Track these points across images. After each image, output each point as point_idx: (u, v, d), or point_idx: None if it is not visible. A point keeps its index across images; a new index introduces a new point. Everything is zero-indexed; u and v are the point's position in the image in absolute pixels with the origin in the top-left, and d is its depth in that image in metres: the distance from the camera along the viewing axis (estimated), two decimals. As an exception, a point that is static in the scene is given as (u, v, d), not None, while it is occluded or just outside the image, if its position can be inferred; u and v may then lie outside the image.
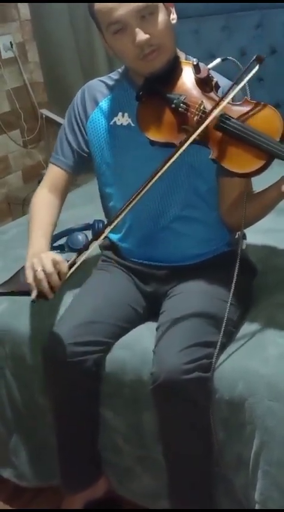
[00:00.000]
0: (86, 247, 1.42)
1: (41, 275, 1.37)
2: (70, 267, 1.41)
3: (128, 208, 1.40)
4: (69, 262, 1.42)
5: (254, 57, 1.36)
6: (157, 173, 1.38)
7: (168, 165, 1.38)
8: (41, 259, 1.39)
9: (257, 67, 1.37)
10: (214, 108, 1.38)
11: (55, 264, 1.38)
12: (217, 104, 1.39)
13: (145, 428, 1.55)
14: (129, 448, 1.61)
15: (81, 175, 1.80)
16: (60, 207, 1.69)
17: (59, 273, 1.38)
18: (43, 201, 1.68)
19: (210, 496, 1.49)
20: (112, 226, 1.42)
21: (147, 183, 1.38)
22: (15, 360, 1.73)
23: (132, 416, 1.57)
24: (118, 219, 1.41)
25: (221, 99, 1.39)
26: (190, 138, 1.37)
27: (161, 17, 1.40)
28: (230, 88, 1.39)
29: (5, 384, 1.76)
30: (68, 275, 1.41)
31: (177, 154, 1.38)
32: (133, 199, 1.39)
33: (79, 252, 1.43)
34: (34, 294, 1.39)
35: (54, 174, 1.70)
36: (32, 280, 1.39)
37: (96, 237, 1.44)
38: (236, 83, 1.38)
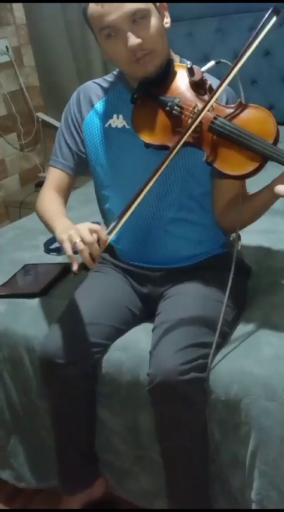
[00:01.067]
0: (121, 215, 1.38)
1: (80, 246, 1.31)
2: (108, 234, 1.37)
3: (133, 205, 1.38)
4: (108, 229, 1.38)
5: (271, 8, 1.36)
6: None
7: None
8: (78, 230, 1.34)
9: (274, 18, 1.35)
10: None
11: (93, 232, 1.34)
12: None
13: (142, 428, 1.56)
14: (126, 449, 1.62)
15: (79, 177, 1.80)
16: (65, 206, 1.68)
17: (98, 241, 1.33)
18: (49, 197, 1.66)
19: (206, 495, 1.50)
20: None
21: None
22: (13, 363, 1.73)
23: (129, 417, 1.57)
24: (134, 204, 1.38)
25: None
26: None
27: (153, 20, 1.41)
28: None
29: (3, 386, 1.77)
30: (108, 242, 1.37)
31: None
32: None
33: (119, 217, 1.38)
34: (75, 266, 1.32)
35: (55, 177, 1.69)
36: (71, 252, 1.33)
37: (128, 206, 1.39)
38: (251, 43, 1.38)
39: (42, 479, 1.79)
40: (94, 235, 1.33)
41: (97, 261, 1.34)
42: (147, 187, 1.38)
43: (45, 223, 1.60)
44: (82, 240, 1.31)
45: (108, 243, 1.36)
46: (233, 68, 1.38)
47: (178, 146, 1.38)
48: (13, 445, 1.80)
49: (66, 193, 1.70)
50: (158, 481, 1.55)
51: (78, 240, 1.32)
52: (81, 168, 1.70)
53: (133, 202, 1.38)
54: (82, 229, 1.33)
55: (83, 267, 1.33)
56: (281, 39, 2.71)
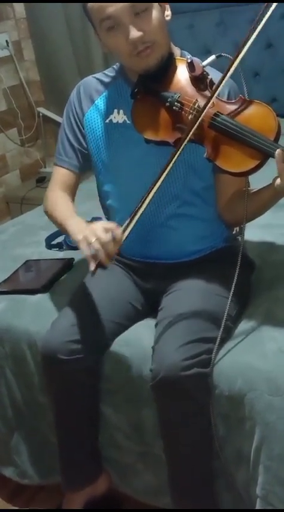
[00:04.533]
0: (133, 214, 1.38)
1: (96, 245, 1.32)
2: (123, 231, 1.37)
3: (142, 209, 1.38)
4: (122, 227, 1.37)
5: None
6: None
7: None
8: (93, 230, 1.35)
9: (274, 5, 1.32)
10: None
11: (107, 231, 1.34)
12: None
13: (146, 424, 1.55)
14: (130, 445, 1.61)
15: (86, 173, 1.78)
16: (73, 204, 1.68)
17: (113, 240, 1.34)
18: (58, 198, 1.65)
19: (210, 491, 1.50)
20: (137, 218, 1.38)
21: (152, 188, 1.37)
22: (15, 359, 1.73)
23: (132, 413, 1.57)
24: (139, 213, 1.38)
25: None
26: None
27: (155, 13, 1.40)
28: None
29: (6, 382, 1.77)
30: (123, 240, 1.36)
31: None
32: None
33: (131, 217, 1.38)
34: (93, 266, 1.34)
35: (60, 176, 1.68)
36: (88, 253, 1.34)
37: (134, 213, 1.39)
38: (238, 54, 1.35)
39: (46, 475, 1.79)
40: (109, 234, 1.33)
41: (113, 259, 1.35)
42: (156, 186, 1.37)
43: (57, 224, 1.61)
44: (98, 240, 1.32)
45: (122, 240, 1.35)
46: (235, 59, 1.36)
47: (181, 148, 1.36)
48: (16, 442, 1.80)
49: (72, 192, 1.69)
50: (162, 477, 1.55)
51: (93, 240, 1.33)
52: (85, 165, 1.69)
53: (144, 200, 1.37)
54: (98, 229, 1.34)
55: (100, 265, 1.34)
56: None
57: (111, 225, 1.35)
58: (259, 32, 1.36)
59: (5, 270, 1.97)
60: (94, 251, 1.33)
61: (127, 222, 1.38)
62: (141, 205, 1.37)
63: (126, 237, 1.38)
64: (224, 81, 1.38)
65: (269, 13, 1.33)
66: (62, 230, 1.59)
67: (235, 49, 1.38)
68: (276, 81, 2.78)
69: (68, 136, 1.67)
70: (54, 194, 1.67)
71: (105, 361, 1.56)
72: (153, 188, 1.37)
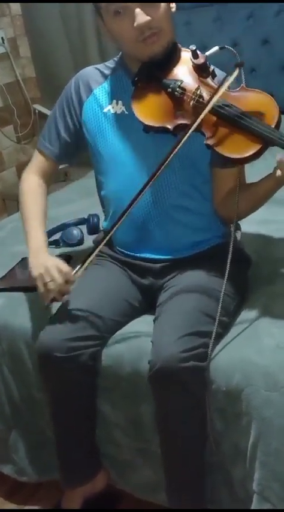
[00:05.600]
0: (92, 251, 1.49)
1: (51, 286, 1.45)
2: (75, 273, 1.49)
3: (131, 207, 1.43)
4: (76, 270, 1.47)
5: (234, 63, 1.37)
6: (158, 170, 1.39)
7: (170, 157, 1.38)
8: (49, 271, 1.45)
9: (237, 70, 1.38)
10: (211, 98, 1.38)
11: (61, 273, 1.45)
12: (214, 93, 1.39)
13: (144, 421, 1.55)
14: (128, 441, 1.61)
15: (80, 169, 1.80)
16: (47, 191, 1.73)
17: (66, 282, 1.45)
18: (33, 188, 1.69)
19: (204, 485, 1.50)
20: (115, 228, 1.46)
21: (150, 180, 1.41)
22: (12, 357, 1.73)
23: (130, 409, 1.57)
24: (121, 220, 1.44)
25: (219, 87, 1.39)
26: (190, 129, 1.37)
27: (162, 1, 1.40)
28: (226, 77, 1.40)
29: (3, 380, 1.77)
30: (75, 280, 1.48)
31: (179, 146, 1.38)
32: (138, 196, 1.42)
33: (85, 258, 1.48)
34: (47, 300, 1.48)
35: (40, 160, 1.72)
36: (43, 291, 1.47)
37: (100, 240, 1.49)
38: (223, 82, 1.39)
39: (44, 472, 1.79)
40: (64, 276, 1.45)
41: (67, 295, 1.48)
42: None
43: (22, 221, 1.65)
44: (53, 282, 1.44)
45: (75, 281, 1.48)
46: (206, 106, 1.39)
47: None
48: (14, 439, 1.80)
49: (50, 177, 1.75)
50: (160, 474, 1.54)
51: (48, 280, 1.45)
52: (67, 155, 1.72)
53: (138, 195, 1.41)
54: (53, 271, 1.45)
55: (54, 300, 1.50)
56: (280, 28, 2.70)
57: (65, 268, 1.46)
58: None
59: (2, 267, 1.97)
60: (49, 290, 1.46)
61: (78, 266, 1.48)
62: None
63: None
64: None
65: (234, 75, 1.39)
66: (24, 230, 1.63)
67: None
68: (273, 78, 2.78)
69: (57, 123, 1.67)
70: (29, 178, 1.71)
71: (102, 359, 1.56)
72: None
